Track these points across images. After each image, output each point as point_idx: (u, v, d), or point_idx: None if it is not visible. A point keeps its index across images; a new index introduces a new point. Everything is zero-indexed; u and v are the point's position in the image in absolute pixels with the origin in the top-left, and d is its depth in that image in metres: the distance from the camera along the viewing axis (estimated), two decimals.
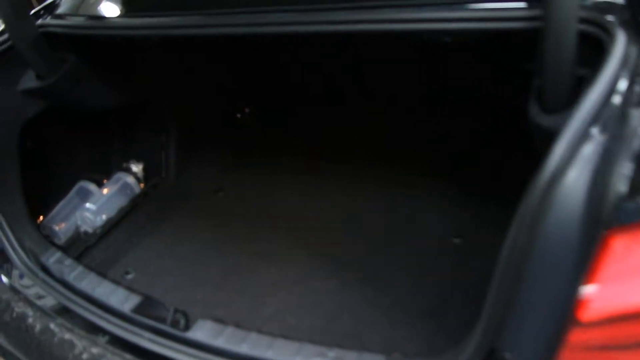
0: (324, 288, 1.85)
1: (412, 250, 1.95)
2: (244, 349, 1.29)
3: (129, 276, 2.04)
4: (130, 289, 1.58)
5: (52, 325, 1.50)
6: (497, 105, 2.19)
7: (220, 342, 1.32)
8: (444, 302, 1.71)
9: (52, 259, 1.77)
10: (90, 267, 1.77)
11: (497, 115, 2.26)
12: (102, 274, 1.77)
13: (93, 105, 2.21)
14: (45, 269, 1.71)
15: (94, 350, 1.40)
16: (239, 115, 2.93)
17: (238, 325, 1.42)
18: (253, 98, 2.98)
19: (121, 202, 2.33)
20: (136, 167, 2.45)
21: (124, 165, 2.46)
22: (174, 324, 1.44)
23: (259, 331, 1.40)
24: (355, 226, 2.12)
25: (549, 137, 0.96)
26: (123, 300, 1.52)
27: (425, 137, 2.49)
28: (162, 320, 1.44)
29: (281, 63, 2.82)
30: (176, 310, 1.47)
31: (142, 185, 2.43)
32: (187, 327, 1.38)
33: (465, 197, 2.12)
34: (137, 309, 1.48)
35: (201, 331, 1.36)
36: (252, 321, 1.75)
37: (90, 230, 2.21)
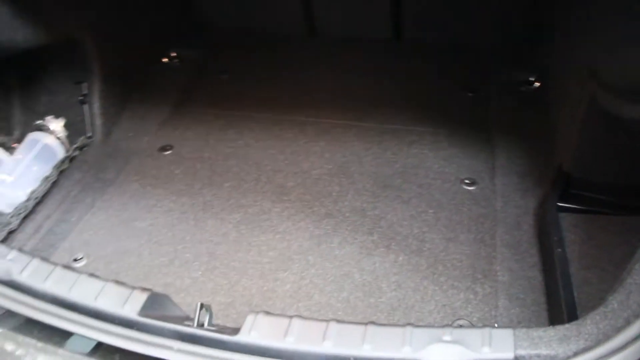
0: (340, 253, 1.55)
1: (425, 199, 1.71)
2: (328, 347, 0.97)
3: (79, 264, 1.58)
4: (120, 283, 1.15)
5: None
6: None
7: (289, 344, 0.98)
8: (487, 256, 1.50)
9: None
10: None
11: None
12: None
13: None
14: None
15: None
16: (165, 60, 2.44)
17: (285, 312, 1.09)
18: (179, 40, 2.51)
19: (44, 169, 1.80)
20: (56, 125, 1.90)
21: (38, 123, 1.90)
22: (201, 325, 1.07)
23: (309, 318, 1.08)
24: (348, 176, 1.82)
25: None
26: (118, 300, 1.10)
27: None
28: (183, 322, 1.07)
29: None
30: (202, 306, 1.09)
31: (66, 147, 1.90)
32: (234, 330, 1.02)
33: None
34: (145, 311, 1.07)
35: (258, 332, 1.00)
36: (272, 303, 1.42)
37: (7, 209, 1.68)
